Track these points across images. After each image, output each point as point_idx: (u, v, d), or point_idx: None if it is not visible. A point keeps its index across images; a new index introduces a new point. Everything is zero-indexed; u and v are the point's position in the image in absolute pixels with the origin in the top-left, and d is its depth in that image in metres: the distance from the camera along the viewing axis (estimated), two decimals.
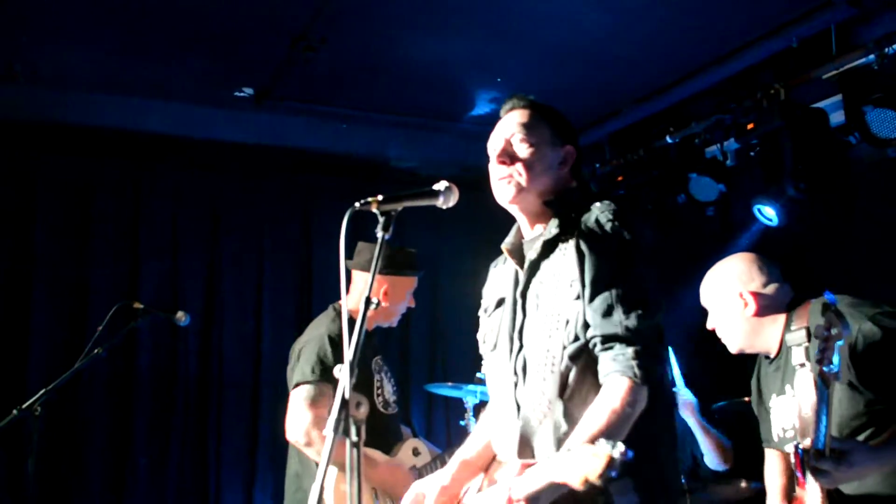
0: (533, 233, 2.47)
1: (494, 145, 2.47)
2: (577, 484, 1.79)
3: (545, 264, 2.38)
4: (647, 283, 2.26)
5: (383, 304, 3.90)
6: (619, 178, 6.08)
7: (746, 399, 4.38)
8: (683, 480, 4.50)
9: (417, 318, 6.44)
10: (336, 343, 3.68)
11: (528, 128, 2.44)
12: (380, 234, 2.12)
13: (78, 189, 5.88)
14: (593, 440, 2.04)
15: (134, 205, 6.01)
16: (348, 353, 1.96)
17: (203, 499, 5.87)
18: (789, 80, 4.94)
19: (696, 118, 5.54)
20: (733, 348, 3.10)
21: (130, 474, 5.70)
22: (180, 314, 4.41)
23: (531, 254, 2.42)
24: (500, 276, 2.59)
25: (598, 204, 2.35)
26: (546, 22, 4.74)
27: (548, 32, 4.86)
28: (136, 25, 4.64)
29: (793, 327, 2.89)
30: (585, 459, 1.78)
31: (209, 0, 4.41)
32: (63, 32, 4.70)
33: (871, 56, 4.48)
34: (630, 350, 2.16)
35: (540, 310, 2.34)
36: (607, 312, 2.19)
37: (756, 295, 2.98)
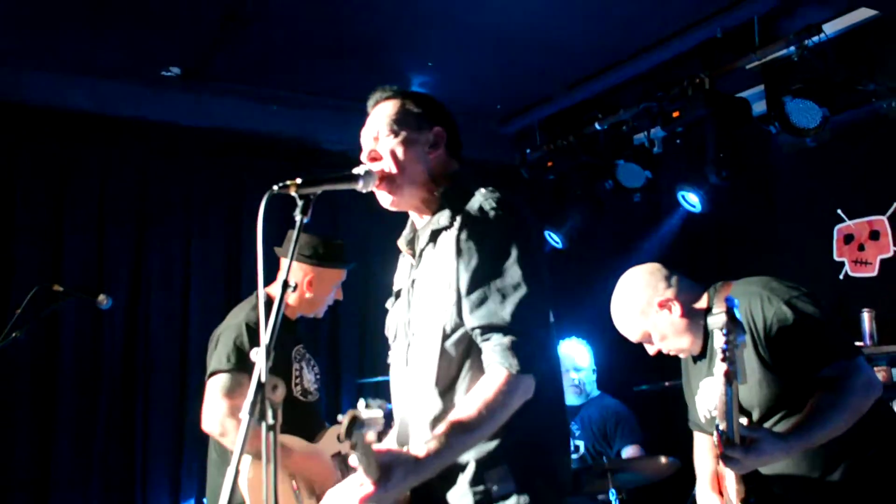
0: (422, 221, 2.42)
1: (364, 146, 2.43)
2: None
3: (430, 254, 2.33)
4: (527, 269, 2.16)
5: (308, 294, 3.86)
6: (549, 164, 6.15)
7: (667, 383, 4.52)
8: (605, 460, 4.59)
9: (347, 308, 6.39)
10: (254, 330, 3.64)
11: (393, 119, 2.39)
12: (298, 217, 2.10)
13: (0, 167, 5.73)
14: (460, 429, 2.03)
15: (59, 184, 5.84)
16: (264, 336, 1.94)
17: (129, 484, 5.76)
18: (714, 69, 5.05)
19: (624, 106, 5.63)
20: (688, 353, 3.07)
21: (55, 460, 5.56)
22: (102, 297, 4.33)
23: (420, 243, 2.38)
24: (402, 267, 2.55)
25: (482, 190, 2.29)
26: (478, 7, 4.76)
27: (480, 18, 4.87)
28: None
29: (714, 311, 2.91)
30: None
31: None
32: None
33: (792, 48, 4.60)
34: (507, 339, 2.10)
35: (423, 301, 2.31)
36: (483, 302, 2.14)
37: (673, 298, 2.98)
